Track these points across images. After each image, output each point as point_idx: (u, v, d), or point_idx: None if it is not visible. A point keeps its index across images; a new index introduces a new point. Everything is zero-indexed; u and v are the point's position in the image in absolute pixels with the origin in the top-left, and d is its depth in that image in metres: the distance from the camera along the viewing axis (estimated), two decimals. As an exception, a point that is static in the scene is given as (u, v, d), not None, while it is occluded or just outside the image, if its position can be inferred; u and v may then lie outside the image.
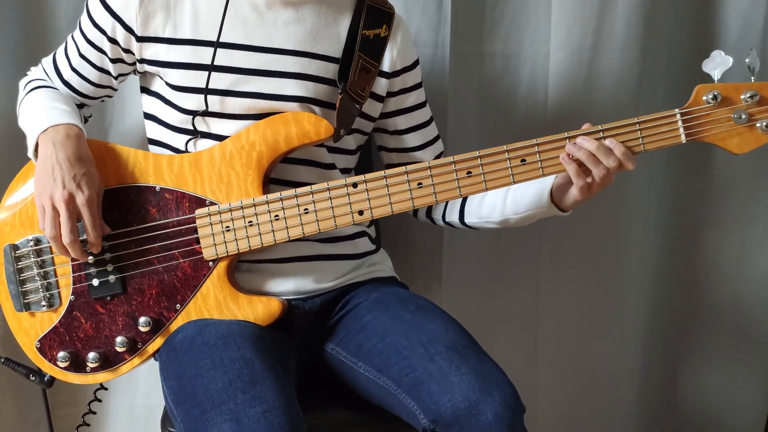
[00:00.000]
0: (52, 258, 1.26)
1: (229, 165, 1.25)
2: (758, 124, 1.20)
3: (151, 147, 1.34)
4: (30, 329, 1.28)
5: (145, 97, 1.34)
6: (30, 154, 1.25)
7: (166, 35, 1.25)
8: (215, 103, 1.25)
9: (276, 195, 1.23)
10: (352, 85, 1.29)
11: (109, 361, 1.27)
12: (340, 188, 1.23)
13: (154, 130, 1.33)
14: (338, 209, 1.23)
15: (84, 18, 1.29)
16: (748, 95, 1.19)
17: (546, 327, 1.85)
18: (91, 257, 1.24)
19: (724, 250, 1.89)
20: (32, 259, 1.27)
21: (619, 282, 1.85)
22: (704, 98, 1.20)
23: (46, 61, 1.37)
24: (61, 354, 1.26)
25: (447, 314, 1.29)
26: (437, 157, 1.43)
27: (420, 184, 1.22)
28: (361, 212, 1.23)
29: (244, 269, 1.29)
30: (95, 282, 1.25)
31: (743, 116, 1.19)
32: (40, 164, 1.20)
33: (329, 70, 1.30)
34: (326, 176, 1.32)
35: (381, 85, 1.35)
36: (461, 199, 1.36)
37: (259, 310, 1.25)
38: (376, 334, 1.27)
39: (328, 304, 1.34)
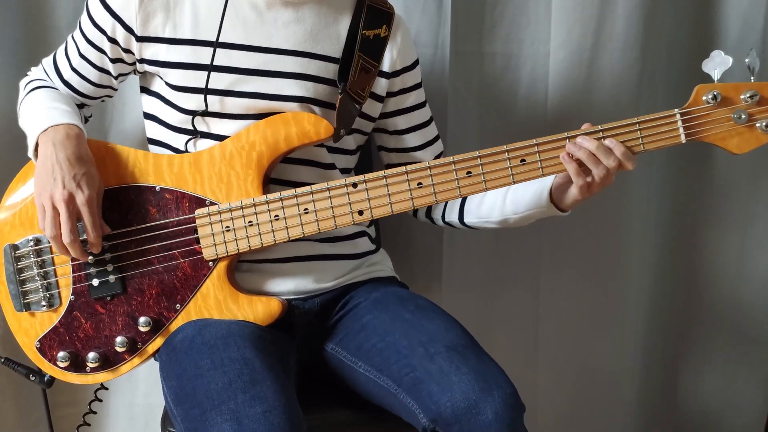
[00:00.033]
0: (52, 258, 1.26)
1: (229, 165, 1.25)
2: (758, 124, 1.19)
3: (151, 147, 1.34)
4: (30, 329, 1.28)
5: (145, 97, 1.34)
6: (30, 153, 1.25)
7: (166, 35, 1.25)
8: (215, 103, 1.25)
9: (276, 195, 1.23)
10: (352, 85, 1.29)
11: (109, 361, 1.27)
12: (340, 188, 1.23)
13: (154, 130, 1.33)
14: (338, 209, 1.23)
15: (84, 18, 1.29)
16: (747, 95, 1.19)
17: (546, 327, 1.85)
18: (91, 257, 1.24)
19: (724, 250, 1.89)
20: (32, 259, 1.27)
21: (619, 282, 1.85)
22: (704, 98, 1.20)
23: (47, 61, 1.37)
24: (61, 354, 1.26)
25: (447, 314, 1.29)
26: (437, 157, 1.43)
27: (420, 184, 1.22)
28: (361, 212, 1.23)
29: (244, 269, 1.30)
30: (95, 282, 1.25)
31: (743, 116, 1.19)
32: (40, 164, 1.20)
33: (329, 70, 1.30)
34: (326, 176, 1.32)
35: (381, 85, 1.35)
36: (461, 199, 1.36)
37: (259, 310, 1.25)
38: (376, 333, 1.27)
39: (328, 303, 1.34)
